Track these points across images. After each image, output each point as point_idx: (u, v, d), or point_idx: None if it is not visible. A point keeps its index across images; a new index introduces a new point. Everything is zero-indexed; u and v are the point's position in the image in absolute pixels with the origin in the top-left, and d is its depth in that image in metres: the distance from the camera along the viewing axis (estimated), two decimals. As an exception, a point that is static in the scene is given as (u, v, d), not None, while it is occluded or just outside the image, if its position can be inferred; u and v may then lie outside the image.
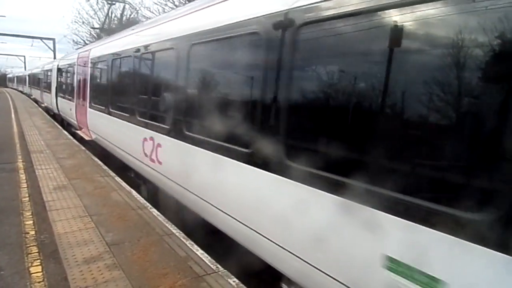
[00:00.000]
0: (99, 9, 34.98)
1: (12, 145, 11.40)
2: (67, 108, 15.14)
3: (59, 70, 17.32)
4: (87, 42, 36.49)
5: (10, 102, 30.86)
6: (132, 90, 7.75)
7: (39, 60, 53.08)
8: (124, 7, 33.79)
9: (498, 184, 2.10)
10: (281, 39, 3.51)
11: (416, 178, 2.56)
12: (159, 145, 6.13)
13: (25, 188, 6.89)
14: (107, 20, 24.79)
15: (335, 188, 2.91)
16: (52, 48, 47.42)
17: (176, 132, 5.51)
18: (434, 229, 2.29)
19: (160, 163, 6.09)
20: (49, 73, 21.22)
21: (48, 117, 20.30)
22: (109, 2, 22.08)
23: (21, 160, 9.23)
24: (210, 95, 4.94)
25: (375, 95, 2.81)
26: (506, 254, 1.99)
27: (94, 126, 11.07)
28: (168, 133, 5.77)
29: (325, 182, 2.99)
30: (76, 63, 13.86)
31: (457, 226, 2.19)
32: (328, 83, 3.22)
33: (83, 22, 36.82)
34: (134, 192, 6.87)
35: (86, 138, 11.91)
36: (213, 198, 4.59)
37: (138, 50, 7.32)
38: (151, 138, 6.37)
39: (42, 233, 4.96)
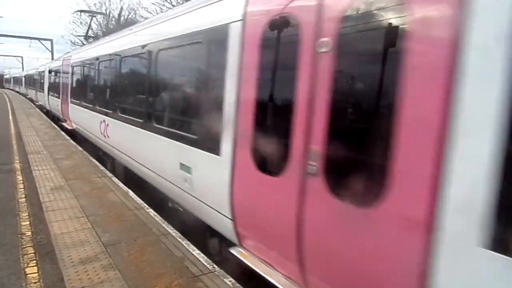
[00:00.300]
0: (97, 9, 34.94)
1: (9, 146, 11.39)
2: (56, 104, 17.26)
3: (50, 72, 19.39)
4: (84, 43, 36.49)
5: (8, 103, 30.80)
6: (94, 88, 10.74)
7: (37, 61, 52.96)
8: (121, 8, 33.87)
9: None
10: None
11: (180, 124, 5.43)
12: (107, 125, 8.84)
13: (22, 189, 6.88)
14: (90, 30, 25.92)
15: (156, 130, 5.98)
16: (50, 49, 47.36)
17: (113, 115, 8.39)
18: (196, 147, 4.71)
19: (108, 137, 8.87)
20: (42, 75, 23.48)
21: (45, 117, 20.27)
22: (90, 15, 24.15)
23: (18, 161, 9.22)
24: (126, 91, 8.19)
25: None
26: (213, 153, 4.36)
27: (74, 118, 13.34)
28: (110, 116, 8.65)
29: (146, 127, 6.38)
30: (62, 66, 16.07)
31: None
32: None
33: (80, 23, 36.77)
34: (131, 193, 6.87)
35: (69, 127, 14.32)
36: (131, 153, 7.41)
37: (97, 58, 10.17)
38: (104, 121, 9.10)
39: (39, 234, 4.95)
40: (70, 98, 13.72)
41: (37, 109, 25.30)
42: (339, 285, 2.90)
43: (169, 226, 5.35)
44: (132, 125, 7.05)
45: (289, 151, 3.19)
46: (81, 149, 11.24)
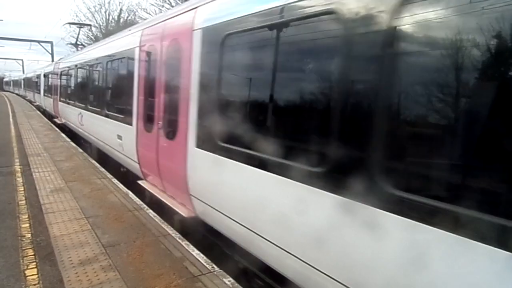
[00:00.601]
0: (96, 11, 35.00)
1: (10, 148, 11.40)
2: (49, 103, 20.51)
3: (45, 76, 22.75)
4: (84, 44, 36.52)
5: (8, 106, 30.84)
6: (73, 89, 14.41)
7: (37, 63, 53.00)
8: (121, 10, 33.91)
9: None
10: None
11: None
12: (82, 116, 11.91)
13: (22, 191, 6.89)
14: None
15: (106, 115, 9.14)
16: (50, 51, 47.39)
17: (85, 108, 11.49)
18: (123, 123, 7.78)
19: (83, 125, 12.05)
20: (39, 78, 26.63)
21: (46, 120, 20.29)
22: (79, 26, 25.80)
23: (18, 164, 9.23)
24: (91, 90, 11.46)
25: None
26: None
27: (62, 113, 16.51)
28: (83, 109, 11.76)
29: (102, 114, 9.52)
30: (53, 71, 19.36)
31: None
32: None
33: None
34: (131, 194, 6.88)
35: (59, 122, 17.29)
36: (95, 133, 10.43)
37: (76, 65, 13.55)
38: (80, 113, 12.16)
39: (38, 236, 4.96)
40: (59, 97, 16.91)
41: (38, 112, 25.33)
42: (168, 179, 5.86)
43: (169, 226, 5.36)
44: (94, 113, 10.35)
45: (153, 119, 6.20)
46: (81, 151, 11.27)
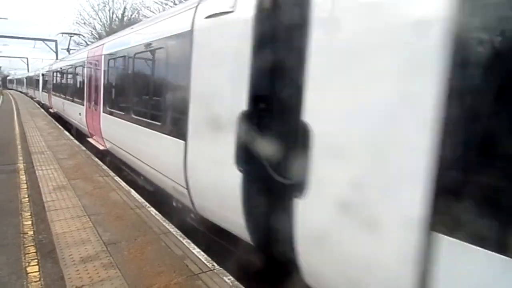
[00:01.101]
0: (100, 9, 35.08)
1: (14, 146, 11.47)
2: (46, 98, 24.68)
3: (43, 75, 27.56)
4: (88, 42, 36.64)
5: (13, 104, 31.01)
6: (60, 85, 18.40)
7: (41, 61, 53.17)
8: (125, 8, 34.01)
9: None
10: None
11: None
12: (63, 103, 16.39)
13: (25, 189, 6.93)
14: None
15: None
16: (55, 50, 47.55)
17: (66, 98, 15.73)
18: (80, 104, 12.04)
19: (64, 111, 16.55)
20: (38, 77, 30.75)
21: (50, 117, 20.39)
22: (70, 35, 27.27)
23: (22, 161, 9.28)
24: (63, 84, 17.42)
25: None
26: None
27: (55, 105, 20.23)
28: (64, 98, 16.19)
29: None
30: (47, 72, 24.59)
31: None
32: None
33: (84, 23, 36.95)
34: (133, 192, 6.90)
35: (52, 111, 21.36)
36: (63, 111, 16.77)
37: (61, 68, 18.25)
38: (63, 102, 16.61)
39: (40, 233, 4.99)
40: (52, 92, 21.17)
41: (41, 110, 25.46)
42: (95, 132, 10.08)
43: (170, 224, 5.37)
44: (67, 100, 15.69)
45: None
46: (84, 148, 11.31)
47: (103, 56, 9.44)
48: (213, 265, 4.21)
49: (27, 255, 4.36)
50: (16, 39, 46.19)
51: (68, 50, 26.30)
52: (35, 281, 3.81)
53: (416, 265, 2.20)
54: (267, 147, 3.28)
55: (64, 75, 17.26)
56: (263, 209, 3.52)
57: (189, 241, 4.85)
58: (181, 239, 4.90)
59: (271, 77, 3.36)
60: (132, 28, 8.18)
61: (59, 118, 19.25)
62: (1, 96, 40.16)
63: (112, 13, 35.82)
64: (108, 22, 35.56)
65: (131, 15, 34.31)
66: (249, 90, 3.49)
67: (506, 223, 1.89)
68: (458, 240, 2.01)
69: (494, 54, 1.94)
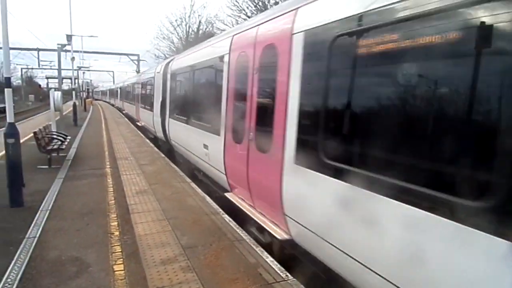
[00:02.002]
0: (178, 25, 37.23)
1: (102, 152, 12.55)
2: (121, 104, 34.74)
3: (120, 88, 37.17)
4: (167, 56, 39.04)
5: (101, 114, 34.08)
6: (129, 95, 27.37)
7: (125, 74, 57.91)
8: (200, 22, 35.74)
9: None
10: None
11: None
12: (138, 108, 20.70)
13: (112, 192, 7.51)
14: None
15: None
16: (137, 63, 51.41)
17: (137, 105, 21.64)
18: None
19: (140, 117, 20.27)
20: (117, 89, 42.87)
21: (132, 126, 22.01)
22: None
23: (109, 166, 10.10)
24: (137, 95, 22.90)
25: None
26: None
27: (125, 108, 29.86)
28: (136, 105, 22.25)
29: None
30: (119, 86, 37.62)
31: None
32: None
33: (163, 38, 39.50)
34: (208, 198, 7.13)
35: (124, 112, 31.31)
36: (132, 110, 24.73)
37: (125, 85, 31.56)
38: (136, 107, 21.74)
39: (125, 234, 5.35)
40: (123, 100, 31.68)
41: (125, 119, 27.60)
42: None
43: (243, 232, 5.44)
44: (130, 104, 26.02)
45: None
46: (163, 156, 11.99)
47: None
48: (286, 275, 4.16)
49: (113, 254, 4.70)
50: (104, 54, 50.82)
51: (138, 71, 32.51)
52: (121, 279, 4.08)
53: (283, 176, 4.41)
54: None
55: (131, 88, 25.43)
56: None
57: (262, 249, 4.86)
58: (254, 247, 4.93)
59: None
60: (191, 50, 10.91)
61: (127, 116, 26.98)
62: (91, 106, 44.34)
63: (189, 28, 37.88)
64: (185, 35, 37.60)
65: (206, 29, 35.93)
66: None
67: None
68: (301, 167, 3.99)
69: None
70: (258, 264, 4.42)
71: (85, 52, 42.88)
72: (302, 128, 4.09)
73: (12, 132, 6.35)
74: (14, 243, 5.02)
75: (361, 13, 3.22)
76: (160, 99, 12.71)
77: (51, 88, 21.69)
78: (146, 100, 17.09)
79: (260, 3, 21.93)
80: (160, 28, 42.21)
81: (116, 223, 5.81)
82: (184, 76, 9.99)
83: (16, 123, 6.73)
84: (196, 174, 9.10)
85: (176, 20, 38.10)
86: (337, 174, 3.43)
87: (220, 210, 6.43)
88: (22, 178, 6.67)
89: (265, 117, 4.89)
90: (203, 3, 42.39)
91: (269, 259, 4.55)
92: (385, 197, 2.84)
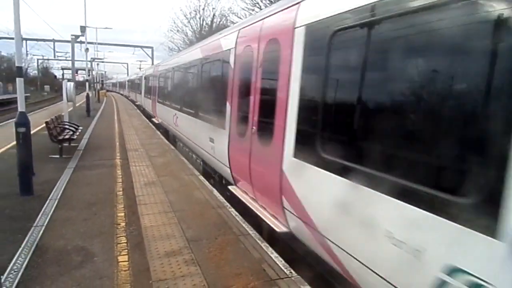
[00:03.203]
0: (192, 17, 37.22)
1: (113, 143, 12.64)
2: (128, 94, 44.74)
3: (128, 81, 44.17)
4: (180, 48, 39.14)
5: (114, 105, 34.38)
6: (134, 86, 35.87)
7: (139, 65, 58.38)
8: (214, 15, 35.67)
9: None
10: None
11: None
12: (136, 95, 32.37)
13: (120, 183, 7.55)
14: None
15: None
16: (151, 56, 51.71)
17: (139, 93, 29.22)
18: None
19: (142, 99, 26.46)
20: (125, 82, 51.07)
21: (144, 117, 22.15)
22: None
23: (119, 157, 10.17)
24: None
25: None
26: None
27: (130, 96, 40.40)
28: (137, 93, 31.04)
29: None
30: (128, 79, 46.80)
31: None
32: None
33: (177, 31, 39.55)
34: (215, 191, 7.11)
35: (129, 97, 42.72)
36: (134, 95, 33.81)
37: (131, 79, 41.06)
38: (135, 94, 32.93)
39: (131, 225, 5.36)
40: (129, 91, 41.75)
41: (138, 110, 27.80)
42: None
43: (249, 226, 5.40)
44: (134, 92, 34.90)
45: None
46: (173, 148, 12.02)
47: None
48: (290, 272, 4.11)
49: (119, 245, 4.71)
50: (118, 46, 51.25)
51: (152, 62, 36.62)
52: (124, 270, 4.08)
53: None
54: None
55: (135, 82, 32.99)
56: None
57: (267, 245, 4.82)
58: (259, 242, 4.89)
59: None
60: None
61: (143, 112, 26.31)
62: (105, 98, 44.80)
63: (203, 21, 37.83)
64: (199, 28, 37.57)
65: (220, 22, 35.84)
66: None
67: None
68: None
69: None
70: (263, 260, 4.38)
71: (99, 43, 43.32)
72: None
73: (23, 122, 6.41)
74: (22, 230, 5.08)
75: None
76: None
77: (65, 79, 21.95)
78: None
79: (274, -3, 21.67)
80: (174, 21, 42.25)
81: (123, 214, 5.83)
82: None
83: (31, 113, 6.80)
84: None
85: (190, 13, 38.04)
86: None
87: (227, 203, 6.40)
88: (32, 167, 6.75)
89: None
90: (217, -4, 42.21)
91: (274, 255, 4.50)
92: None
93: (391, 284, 2.78)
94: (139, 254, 4.48)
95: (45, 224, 5.34)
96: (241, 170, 5.96)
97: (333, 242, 3.53)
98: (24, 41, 46.53)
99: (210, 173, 8.48)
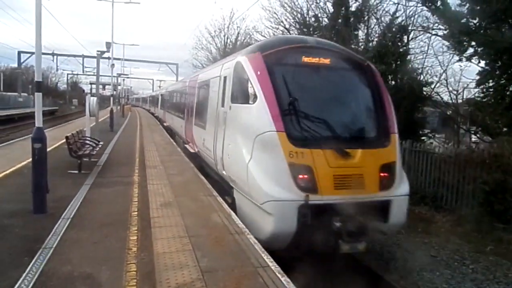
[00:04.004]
0: (216, 35, 37.64)
1: (133, 159, 12.50)
2: (153, 109, 42.93)
3: (150, 96, 50.15)
4: (204, 65, 39.52)
5: (138, 120, 34.79)
6: (155, 102, 41.19)
7: (164, 82, 59.64)
8: (238, 33, 35.96)
9: None
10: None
11: None
12: (155, 108, 40.52)
13: (136, 203, 7.26)
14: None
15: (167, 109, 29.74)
16: (175, 72, 52.63)
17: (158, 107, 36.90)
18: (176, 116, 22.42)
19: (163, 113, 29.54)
20: (148, 98, 55.40)
21: (166, 133, 22.15)
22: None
23: (137, 174, 9.95)
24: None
25: None
26: None
27: (155, 111, 38.94)
28: (157, 107, 38.02)
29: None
30: (148, 96, 58.35)
31: None
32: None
33: (202, 48, 40.03)
34: (233, 215, 6.72)
35: (155, 115, 39.43)
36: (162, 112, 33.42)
37: (154, 95, 45.11)
38: (157, 108, 37.75)
39: (143, 251, 5.02)
40: (155, 107, 39.18)
41: (160, 126, 27.92)
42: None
43: (269, 257, 4.97)
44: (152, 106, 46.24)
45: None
46: (192, 165, 11.75)
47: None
48: (314, 314, 3.65)
49: (128, 273, 4.36)
50: (144, 62, 52.43)
51: (177, 78, 37.84)
52: (131, 304, 3.72)
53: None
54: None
55: (155, 98, 39.22)
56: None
57: (288, 280, 4.37)
58: (279, 276, 4.44)
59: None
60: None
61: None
62: (129, 113, 45.54)
63: (227, 38, 38.14)
64: (223, 46, 37.87)
65: (244, 40, 36.01)
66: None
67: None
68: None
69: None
70: (283, 298, 3.93)
71: (125, 60, 44.31)
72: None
73: (39, 137, 6.25)
74: (30, 252, 4.82)
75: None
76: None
77: (88, 93, 22.36)
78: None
79: (298, 15, 21.57)
80: (199, 38, 42.78)
81: (135, 237, 5.51)
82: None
83: (57, 126, 6.69)
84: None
85: (214, 31, 38.46)
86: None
87: (246, 229, 5.99)
88: (46, 184, 6.54)
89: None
90: (242, 15, 42.58)
91: (296, 293, 4.06)
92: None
93: (209, 156, 9.39)
94: (149, 285, 4.12)
95: (53, 246, 5.07)
96: (187, 136, 14.13)
97: (200, 149, 10.76)
98: (54, 57, 48.29)
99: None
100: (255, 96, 6.34)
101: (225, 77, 8.19)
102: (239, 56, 7.66)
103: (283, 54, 6.70)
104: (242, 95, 7.02)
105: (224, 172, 7.85)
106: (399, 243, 8.06)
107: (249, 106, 6.59)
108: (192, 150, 12.43)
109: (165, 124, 25.97)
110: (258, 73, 6.35)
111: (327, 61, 6.73)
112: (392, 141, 6.49)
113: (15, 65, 52.64)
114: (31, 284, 4.03)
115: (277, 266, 4.72)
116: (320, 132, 6.20)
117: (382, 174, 6.15)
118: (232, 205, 7.32)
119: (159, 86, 59.30)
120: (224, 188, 8.24)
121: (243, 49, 8.51)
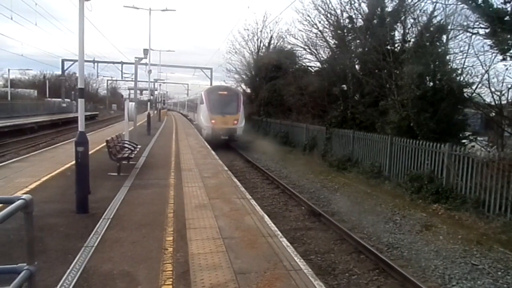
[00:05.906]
0: (249, 39, 37.96)
1: (169, 162, 12.85)
2: (185, 112, 52.37)
3: (180, 102, 69.37)
4: (238, 70, 39.99)
5: (174, 124, 35.71)
6: (181, 106, 64.80)
7: (198, 87, 61.22)
8: (271, 37, 36.14)
9: None
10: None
11: None
12: (181, 109, 64.63)
13: (172, 204, 7.48)
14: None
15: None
16: (210, 77, 53.56)
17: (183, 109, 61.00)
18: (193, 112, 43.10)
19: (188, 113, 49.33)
20: (180, 102, 69.22)
21: (200, 137, 22.59)
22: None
23: (173, 177, 10.22)
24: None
25: None
26: None
27: (187, 114, 48.87)
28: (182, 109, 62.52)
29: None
30: (178, 101, 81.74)
31: None
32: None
33: (235, 52, 40.49)
34: (266, 218, 6.78)
35: (188, 116, 46.18)
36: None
37: (185, 101, 58.44)
38: (181, 110, 63.28)
39: (179, 251, 5.17)
40: (179, 108, 68.00)
41: (195, 130, 28.51)
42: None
43: (301, 260, 4.98)
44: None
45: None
46: (226, 169, 11.92)
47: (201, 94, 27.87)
48: (347, 319, 3.64)
49: (164, 273, 4.51)
50: (180, 67, 53.75)
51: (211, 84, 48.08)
52: (167, 303, 3.85)
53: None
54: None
55: (183, 105, 57.33)
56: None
57: (321, 283, 4.36)
58: (312, 279, 4.44)
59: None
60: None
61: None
62: (166, 117, 46.81)
63: (260, 42, 38.37)
64: (256, 50, 38.13)
65: (277, 43, 36.12)
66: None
67: None
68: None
69: None
70: (316, 301, 3.93)
71: (162, 65, 45.63)
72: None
73: (82, 141, 6.59)
74: (73, 250, 5.09)
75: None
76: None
77: (126, 99, 23.44)
78: None
79: (332, 17, 21.38)
80: (233, 43, 43.32)
81: (171, 238, 5.68)
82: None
83: (98, 130, 7.00)
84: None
85: (248, 35, 38.84)
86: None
87: (279, 232, 6.03)
88: (88, 185, 6.88)
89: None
90: (275, 19, 42.68)
91: (328, 297, 4.05)
92: None
93: (195, 120, 32.85)
94: (184, 284, 4.24)
95: (95, 245, 5.32)
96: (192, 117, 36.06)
97: (192, 118, 35.43)
98: (95, 64, 50.44)
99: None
100: (203, 102, 24.72)
101: (200, 96, 26.26)
102: (202, 91, 26.36)
103: (212, 91, 26.16)
104: (202, 101, 25.27)
105: (195, 122, 29.94)
106: (437, 250, 7.79)
107: (203, 105, 24.75)
108: (194, 122, 32.27)
109: (188, 117, 44.41)
110: (205, 96, 24.85)
111: (225, 92, 25.80)
112: (238, 113, 24.26)
113: (59, 72, 55.43)
114: (75, 280, 4.25)
115: (310, 270, 4.72)
116: (218, 111, 23.76)
117: (234, 122, 23.77)
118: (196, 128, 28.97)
119: (187, 91, 76.42)
120: (196, 126, 29.35)
121: (203, 90, 27.13)
